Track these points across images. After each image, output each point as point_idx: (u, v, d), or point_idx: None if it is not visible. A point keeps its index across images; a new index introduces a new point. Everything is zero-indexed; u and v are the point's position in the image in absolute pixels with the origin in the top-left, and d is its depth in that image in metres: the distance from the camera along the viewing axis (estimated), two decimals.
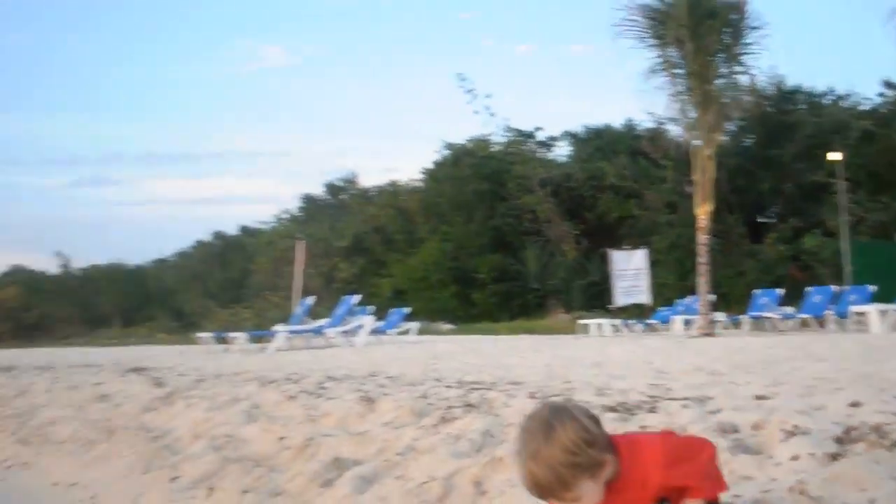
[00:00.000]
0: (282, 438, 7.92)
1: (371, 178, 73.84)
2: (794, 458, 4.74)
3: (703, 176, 23.42)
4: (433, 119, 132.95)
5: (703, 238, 23.34)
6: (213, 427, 9.20)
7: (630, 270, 31.56)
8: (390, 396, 8.83)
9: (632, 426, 6.07)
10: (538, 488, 2.93)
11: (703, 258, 23.21)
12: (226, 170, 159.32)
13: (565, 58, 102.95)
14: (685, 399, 7.01)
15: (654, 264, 36.22)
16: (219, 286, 65.55)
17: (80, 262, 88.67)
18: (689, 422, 5.95)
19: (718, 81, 22.98)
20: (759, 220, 44.95)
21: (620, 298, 31.59)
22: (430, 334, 33.52)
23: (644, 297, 31.39)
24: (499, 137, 53.20)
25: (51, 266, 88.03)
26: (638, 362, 11.94)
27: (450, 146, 55.18)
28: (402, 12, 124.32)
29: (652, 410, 6.59)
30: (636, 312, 31.97)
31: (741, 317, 26.79)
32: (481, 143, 53.11)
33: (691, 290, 27.04)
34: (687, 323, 25.24)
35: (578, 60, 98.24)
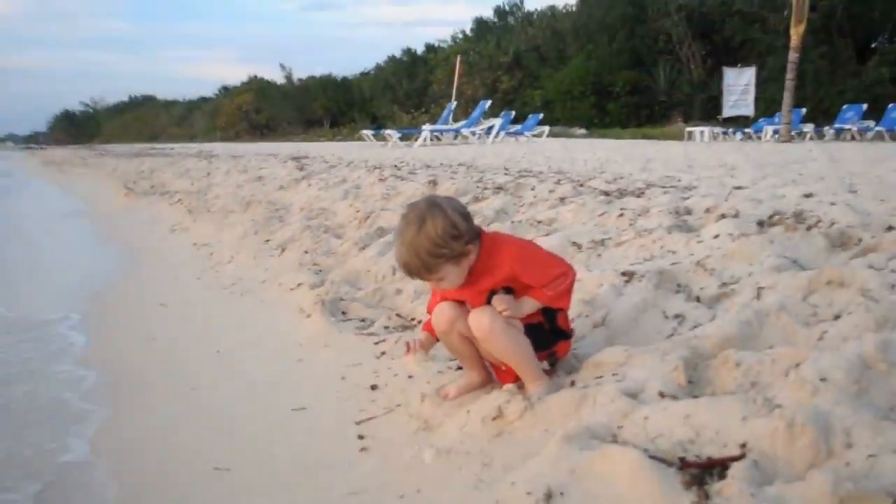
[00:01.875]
0: (357, 212, 7.97)
1: (533, 4, 71.37)
2: (716, 236, 4.45)
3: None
4: None
5: (793, 56, 21.78)
6: (317, 202, 9.35)
7: (739, 86, 29.83)
8: (453, 180, 8.72)
9: (612, 207, 5.82)
10: (406, 269, 2.96)
11: (790, 74, 21.78)
12: None
13: None
14: (672, 187, 6.66)
15: (768, 82, 33.99)
16: (405, 94, 65.33)
17: (300, 73, 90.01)
18: (657, 204, 5.65)
19: None
20: (871, 45, 41.66)
21: (728, 110, 30.04)
22: (563, 137, 32.84)
23: (749, 110, 29.67)
24: None
25: (277, 77, 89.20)
26: (679, 159, 11.42)
27: None
28: None
29: (639, 195, 6.28)
30: (741, 123, 30.48)
31: (825, 128, 25.27)
32: None
33: (797, 106, 25.40)
34: (775, 132, 23.85)
35: None
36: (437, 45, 71.91)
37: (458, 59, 37.30)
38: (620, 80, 44.52)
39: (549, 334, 3.11)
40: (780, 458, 2.32)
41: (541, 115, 32.42)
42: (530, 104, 46.32)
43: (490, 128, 24.38)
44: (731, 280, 3.77)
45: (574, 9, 56.12)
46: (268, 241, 7.60)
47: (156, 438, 3.41)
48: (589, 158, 12.55)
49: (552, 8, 60.07)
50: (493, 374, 3.22)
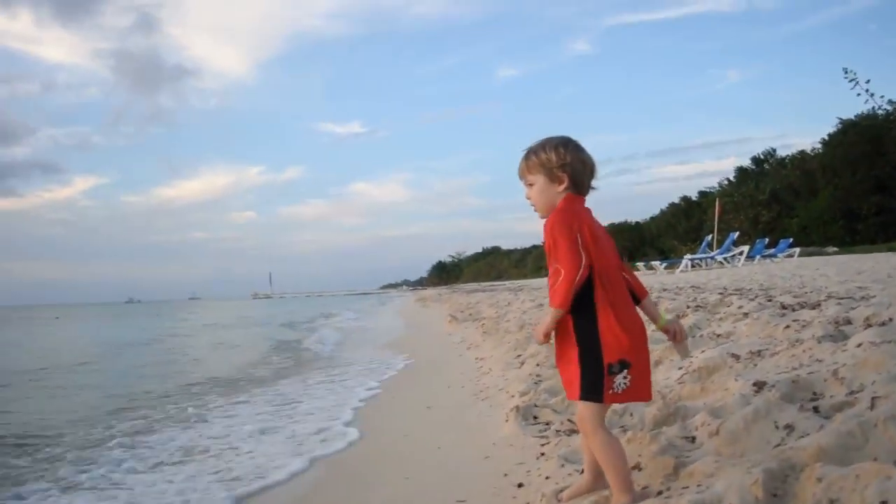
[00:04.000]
0: None
1: (784, 151, 66.32)
2: (859, 345, 3.59)
3: None
4: (814, 101, 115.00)
5: None
6: None
7: None
8: (673, 301, 7.98)
9: (785, 320, 4.94)
10: (521, 163, 2.65)
11: None
12: (702, 156, 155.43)
13: None
14: (849, 298, 5.54)
15: None
16: (684, 231, 63.23)
17: (604, 222, 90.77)
18: (824, 316, 4.70)
19: None
20: None
21: None
22: (816, 255, 29.46)
23: None
24: (880, 111, 45.06)
25: None
26: (886, 270, 9.53)
27: (842, 121, 48.25)
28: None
29: (814, 307, 5.28)
30: None
31: None
32: (866, 117, 45.53)
33: None
34: None
35: None
36: (707, 190, 69.52)
37: (718, 200, 35.45)
38: (866, 204, 39.86)
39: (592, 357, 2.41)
40: None
41: (791, 239, 29.53)
42: (788, 230, 42.67)
43: (741, 252, 22.59)
44: (858, 389, 2.99)
45: (820, 150, 51.75)
46: (518, 356, 7.36)
47: None
48: (807, 274, 11.01)
49: (802, 152, 55.75)
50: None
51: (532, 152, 2.63)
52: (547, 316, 2.45)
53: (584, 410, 2.45)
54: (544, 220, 2.57)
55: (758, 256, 24.87)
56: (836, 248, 34.28)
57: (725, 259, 22.88)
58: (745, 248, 23.15)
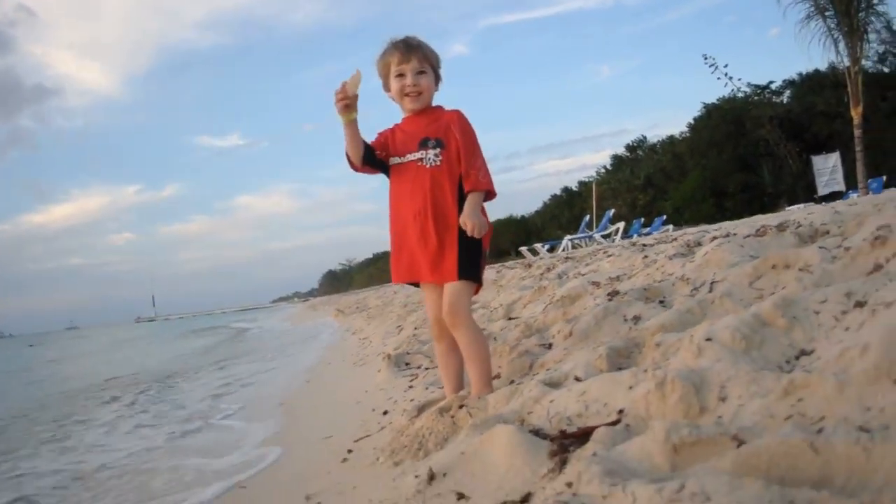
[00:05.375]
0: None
1: (654, 138, 69.86)
2: (705, 254, 3.75)
3: (855, 87, 19.74)
4: (682, 90, 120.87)
5: (857, 132, 19.75)
6: None
7: (827, 169, 27.49)
8: (544, 260, 8.19)
9: (642, 254, 5.15)
10: (419, 46, 2.54)
11: (858, 147, 19.71)
12: (581, 149, 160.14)
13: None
14: (704, 232, 5.86)
15: (855, 162, 31.14)
16: (567, 220, 65.26)
17: (492, 218, 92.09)
18: (678, 244, 4.93)
19: (861, 15, 19.01)
20: None
21: (822, 190, 27.62)
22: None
23: (840, 186, 27.09)
24: (739, 94, 48.23)
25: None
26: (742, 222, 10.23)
27: (705, 105, 51.28)
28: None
29: (670, 242, 5.56)
30: (836, 197, 27.76)
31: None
32: (727, 100, 48.58)
33: (877, 175, 23.21)
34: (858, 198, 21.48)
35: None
36: (586, 180, 72.06)
37: (594, 186, 36.90)
38: (732, 182, 42.45)
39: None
40: (652, 419, 1.74)
41: (665, 217, 31.04)
42: (664, 211, 44.80)
43: (617, 229, 23.55)
44: (701, 284, 3.13)
45: (687, 134, 54.77)
46: (399, 326, 7.38)
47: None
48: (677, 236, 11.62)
49: (671, 137, 58.77)
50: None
51: (427, 46, 2.56)
52: (477, 201, 2.45)
53: (460, 296, 2.45)
54: (416, 109, 2.54)
55: (635, 235, 25.94)
56: (707, 225, 36.29)
57: (604, 237, 23.75)
58: (622, 224, 24.13)
